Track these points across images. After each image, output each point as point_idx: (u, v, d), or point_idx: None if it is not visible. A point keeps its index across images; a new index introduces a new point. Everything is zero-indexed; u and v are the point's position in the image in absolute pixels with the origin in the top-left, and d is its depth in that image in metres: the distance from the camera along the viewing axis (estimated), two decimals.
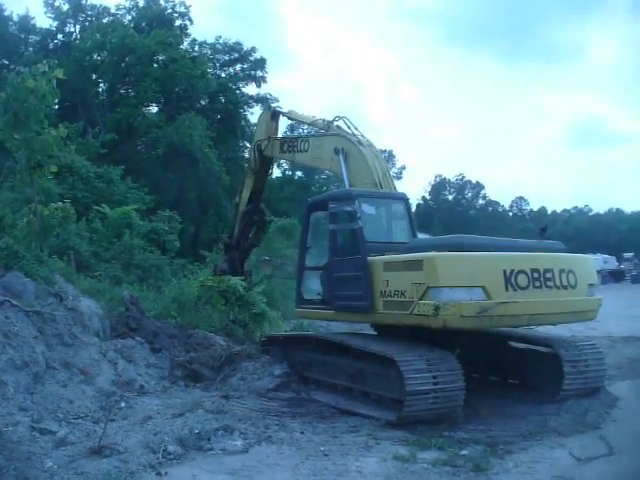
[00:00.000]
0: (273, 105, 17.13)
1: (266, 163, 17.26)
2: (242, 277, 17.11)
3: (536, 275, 9.87)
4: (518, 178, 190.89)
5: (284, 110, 17.17)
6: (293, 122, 16.18)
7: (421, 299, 9.52)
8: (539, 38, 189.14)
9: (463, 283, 9.41)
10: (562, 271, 10.23)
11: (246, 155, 67.23)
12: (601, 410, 9.82)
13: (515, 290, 9.60)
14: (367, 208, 11.64)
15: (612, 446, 7.93)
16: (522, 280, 9.70)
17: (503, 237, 12.05)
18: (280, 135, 17.30)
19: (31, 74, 13.09)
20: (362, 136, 13.66)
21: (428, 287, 9.45)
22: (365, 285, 10.67)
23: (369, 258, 10.76)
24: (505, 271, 9.58)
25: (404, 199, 12.53)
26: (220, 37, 60.14)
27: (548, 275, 10.01)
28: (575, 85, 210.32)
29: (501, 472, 7.40)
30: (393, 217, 12.62)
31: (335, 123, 14.14)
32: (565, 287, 10.22)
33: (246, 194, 17.53)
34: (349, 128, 13.84)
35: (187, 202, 48.41)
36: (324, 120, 14.68)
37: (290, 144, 15.34)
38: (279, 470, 7.51)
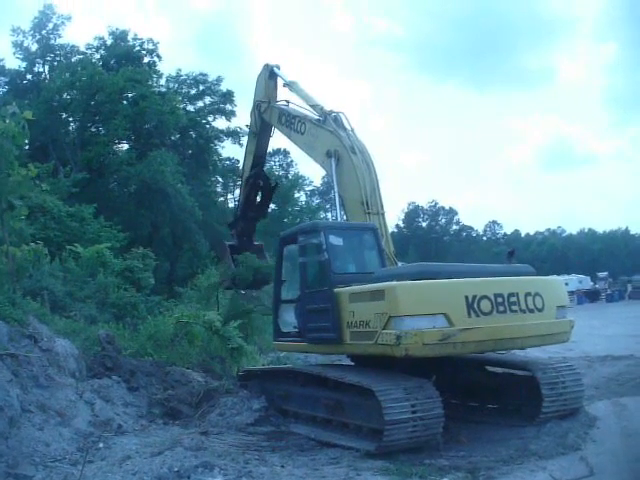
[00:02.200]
0: (271, 64, 16.67)
1: (266, 125, 16.96)
2: (252, 252, 16.82)
3: (500, 300, 9.87)
4: (491, 202, 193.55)
5: (285, 77, 16.65)
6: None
7: (384, 329, 9.52)
8: (508, 64, 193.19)
9: (425, 311, 9.42)
10: (528, 294, 10.23)
11: (218, 189, 67.84)
12: (580, 431, 9.82)
13: (478, 316, 9.60)
14: (335, 240, 11.59)
15: (592, 466, 7.98)
16: (485, 305, 9.71)
17: (477, 262, 12.14)
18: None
19: (0, 115, 13.08)
20: (355, 137, 13.71)
21: (390, 317, 9.46)
22: (333, 317, 10.68)
23: (336, 290, 10.78)
24: (467, 297, 9.59)
25: (373, 229, 12.51)
26: (180, 70, 60.75)
27: (513, 299, 10.01)
28: (544, 109, 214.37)
29: None
30: (363, 247, 12.61)
31: (332, 115, 14.05)
32: (532, 310, 10.22)
33: (249, 160, 17.35)
34: (345, 126, 13.84)
35: (161, 238, 48.32)
36: (322, 108, 14.49)
37: (288, 119, 15.23)
38: None
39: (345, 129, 13.91)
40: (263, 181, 17.81)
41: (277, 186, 21.31)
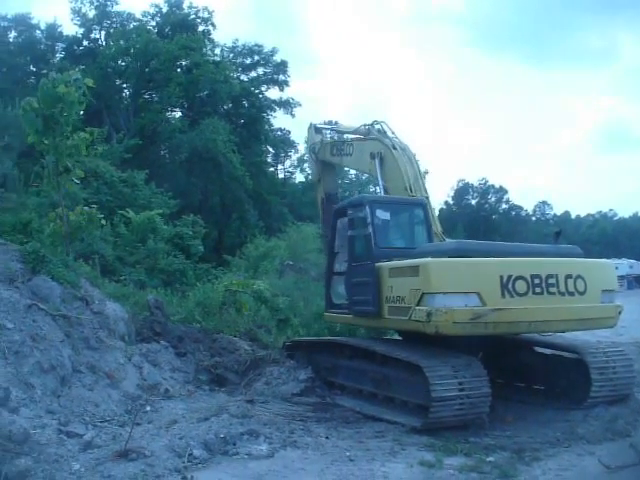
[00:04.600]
0: (314, 123, 16.76)
1: (326, 164, 16.73)
2: None
3: (537, 281, 9.68)
4: (542, 182, 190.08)
5: (326, 134, 16.89)
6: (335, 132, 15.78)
7: (417, 305, 9.51)
8: (567, 41, 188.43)
9: (457, 289, 9.34)
10: (568, 277, 9.97)
11: (269, 159, 67.95)
12: (630, 418, 9.66)
13: (512, 296, 9.46)
14: (381, 214, 11.55)
15: None
16: (520, 286, 9.53)
17: (526, 242, 11.93)
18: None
19: (62, 80, 13.21)
20: (398, 140, 13.72)
21: (423, 293, 9.43)
22: (373, 290, 10.69)
23: (377, 264, 10.76)
24: (502, 277, 9.44)
25: (422, 204, 12.41)
26: (237, 40, 60.80)
27: (551, 281, 9.79)
28: (602, 89, 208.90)
29: (529, 479, 7.34)
30: (411, 223, 12.57)
31: (376, 126, 14.15)
32: (572, 293, 9.96)
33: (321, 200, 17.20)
34: (386, 132, 13.95)
35: (210, 207, 48.65)
36: (365, 125, 14.69)
37: (338, 148, 15.32)
38: (304, 475, 7.49)
39: (387, 135, 13.92)
40: None
41: None
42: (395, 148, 13.08)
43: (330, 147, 15.56)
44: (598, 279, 10.47)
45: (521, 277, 9.56)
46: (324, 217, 15.74)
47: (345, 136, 15.72)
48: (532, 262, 10.00)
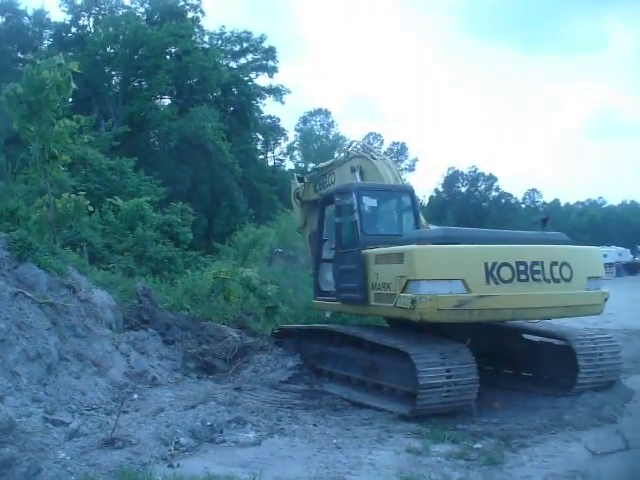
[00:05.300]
0: (295, 174, 16.58)
1: (311, 206, 15.92)
2: None
3: (522, 268, 9.68)
4: (531, 170, 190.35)
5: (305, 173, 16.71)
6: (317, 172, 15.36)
7: (402, 292, 9.49)
8: (558, 27, 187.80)
9: (442, 276, 9.34)
10: (554, 263, 9.98)
11: (259, 147, 67.86)
12: (617, 404, 9.69)
13: (497, 283, 9.46)
14: (368, 201, 11.57)
15: (628, 440, 7.83)
16: (505, 273, 9.53)
17: (515, 229, 11.91)
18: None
19: (47, 66, 13.07)
20: (375, 152, 13.82)
21: (408, 280, 9.42)
22: (359, 277, 10.68)
23: (363, 251, 10.75)
24: (487, 264, 9.44)
25: (409, 191, 12.42)
26: (224, 27, 60.53)
27: (536, 268, 9.80)
28: (592, 76, 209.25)
29: (515, 466, 7.35)
30: (398, 210, 12.50)
31: (353, 146, 14.08)
32: (557, 280, 9.97)
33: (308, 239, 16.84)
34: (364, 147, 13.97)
35: (200, 194, 48.53)
36: (342, 152, 14.58)
37: (320, 182, 15.04)
38: (291, 462, 7.48)
39: (364, 149, 13.89)
40: None
41: None
42: (374, 158, 13.00)
43: (313, 185, 15.36)
44: (584, 266, 10.47)
45: (506, 264, 9.56)
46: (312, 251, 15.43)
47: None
48: (517, 249, 10.01)
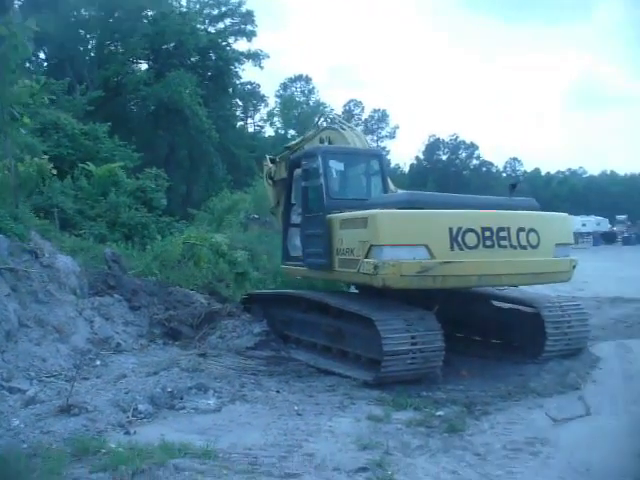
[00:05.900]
0: (268, 155, 15.98)
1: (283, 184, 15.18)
2: None
3: (488, 234, 9.51)
4: (513, 139, 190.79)
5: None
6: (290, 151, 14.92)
7: (366, 257, 9.37)
8: None
9: (405, 241, 9.16)
10: (521, 230, 9.82)
11: (238, 113, 67.43)
12: (582, 371, 9.73)
13: (462, 249, 9.29)
14: (335, 164, 11.47)
15: (589, 407, 7.87)
16: (470, 239, 9.36)
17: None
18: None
19: (5, 23, 12.67)
20: (345, 123, 13.63)
21: (371, 245, 9.29)
22: (324, 243, 10.57)
23: (328, 216, 10.62)
24: (451, 229, 9.26)
25: (377, 155, 12.30)
26: None
27: (502, 234, 9.63)
28: (575, 46, 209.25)
29: (476, 433, 7.31)
30: (367, 173, 12.34)
31: (323, 119, 13.98)
32: (524, 247, 9.83)
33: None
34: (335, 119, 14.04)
35: (178, 160, 48.25)
36: (313, 127, 14.53)
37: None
38: (250, 429, 7.37)
39: (335, 121, 13.90)
40: None
41: None
42: (344, 129, 12.80)
43: (284, 163, 15.10)
44: (552, 233, 10.33)
45: (471, 230, 9.39)
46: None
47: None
48: (483, 214, 9.82)
